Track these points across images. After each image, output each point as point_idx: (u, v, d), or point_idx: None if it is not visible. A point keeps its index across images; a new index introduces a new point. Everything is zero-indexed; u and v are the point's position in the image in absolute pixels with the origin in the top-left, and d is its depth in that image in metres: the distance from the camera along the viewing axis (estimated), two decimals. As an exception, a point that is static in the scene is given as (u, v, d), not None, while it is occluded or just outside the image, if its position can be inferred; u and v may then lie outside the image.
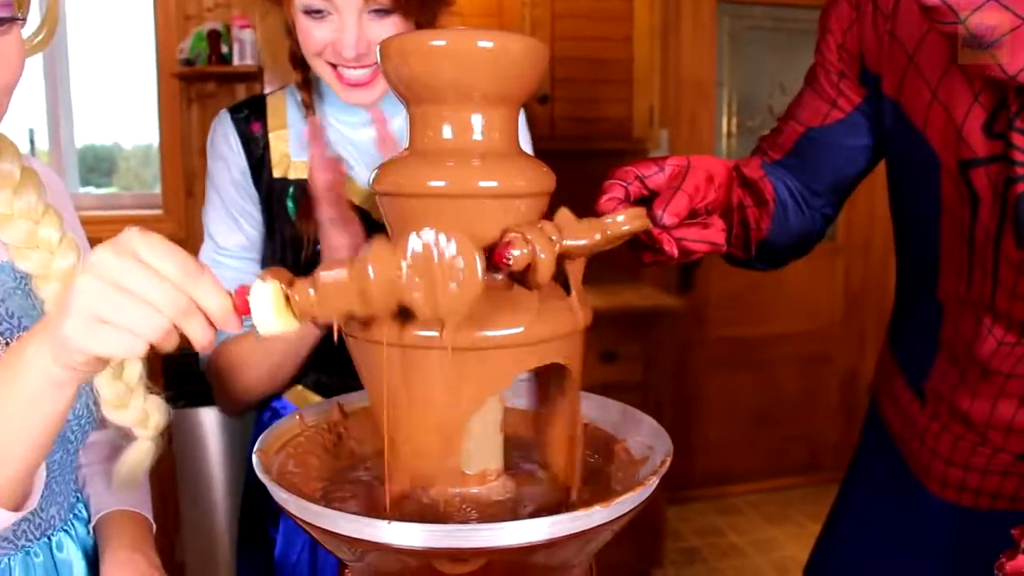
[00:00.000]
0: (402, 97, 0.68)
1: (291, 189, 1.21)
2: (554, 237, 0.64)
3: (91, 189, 3.62)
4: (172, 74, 3.22)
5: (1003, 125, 0.90)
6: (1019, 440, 1.01)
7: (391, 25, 1.12)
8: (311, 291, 0.60)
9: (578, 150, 3.13)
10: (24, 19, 0.81)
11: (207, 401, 2.57)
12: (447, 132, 0.66)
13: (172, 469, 2.69)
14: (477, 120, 0.66)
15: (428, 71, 0.65)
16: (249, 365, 1.16)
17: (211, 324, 0.62)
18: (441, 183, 0.64)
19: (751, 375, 3.83)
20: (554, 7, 3.09)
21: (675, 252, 0.83)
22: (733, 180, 0.95)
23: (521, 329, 0.64)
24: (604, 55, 3.12)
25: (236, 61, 3.12)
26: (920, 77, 0.98)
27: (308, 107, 1.22)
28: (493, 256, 0.63)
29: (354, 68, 1.12)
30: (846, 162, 1.15)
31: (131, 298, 0.59)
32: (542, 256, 0.63)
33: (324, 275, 0.60)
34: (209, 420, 2.71)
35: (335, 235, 1.06)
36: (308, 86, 1.23)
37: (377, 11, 1.10)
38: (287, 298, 0.60)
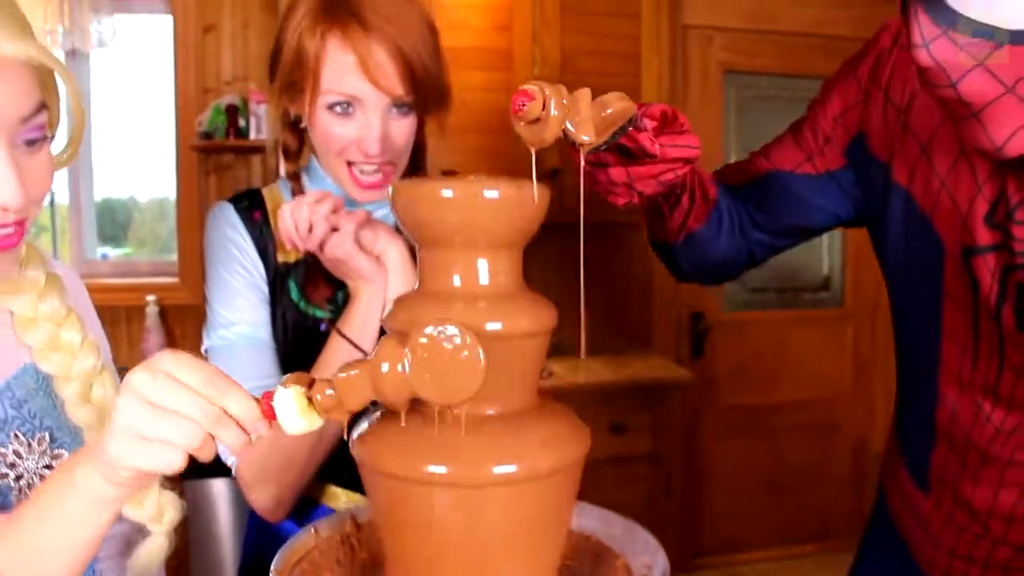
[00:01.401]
0: (412, 238, 0.73)
1: (293, 272, 1.25)
2: (566, 101, 0.71)
3: (108, 251, 3.70)
4: (191, 146, 3.31)
5: (1002, 217, 0.94)
6: (1020, 531, 1.03)
7: (409, 124, 1.19)
8: (329, 391, 0.66)
9: (587, 223, 3.18)
10: (53, 137, 0.86)
11: (218, 471, 2.60)
12: (455, 275, 0.71)
13: (185, 542, 2.71)
14: (483, 264, 0.71)
15: (437, 218, 0.70)
16: (289, 455, 1.18)
17: (244, 430, 0.67)
18: (448, 325, 0.68)
19: (761, 443, 3.83)
20: (562, 79, 3.17)
21: (657, 150, 0.93)
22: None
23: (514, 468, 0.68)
24: (613, 129, 3.20)
25: (252, 135, 3.21)
26: (931, 167, 1.02)
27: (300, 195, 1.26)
28: (511, 104, 0.70)
29: (373, 164, 1.18)
30: (800, 214, 1.19)
31: (167, 413, 0.65)
32: (554, 113, 0.69)
33: (340, 376, 0.67)
34: (220, 491, 2.74)
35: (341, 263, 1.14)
36: (298, 178, 1.28)
37: (399, 108, 1.17)
38: (309, 399, 0.67)
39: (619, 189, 1.01)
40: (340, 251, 1.13)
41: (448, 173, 1.30)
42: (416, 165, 1.29)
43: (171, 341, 3.38)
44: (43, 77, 0.83)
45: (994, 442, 1.01)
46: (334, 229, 1.13)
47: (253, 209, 1.27)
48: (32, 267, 0.97)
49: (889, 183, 1.08)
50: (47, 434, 0.94)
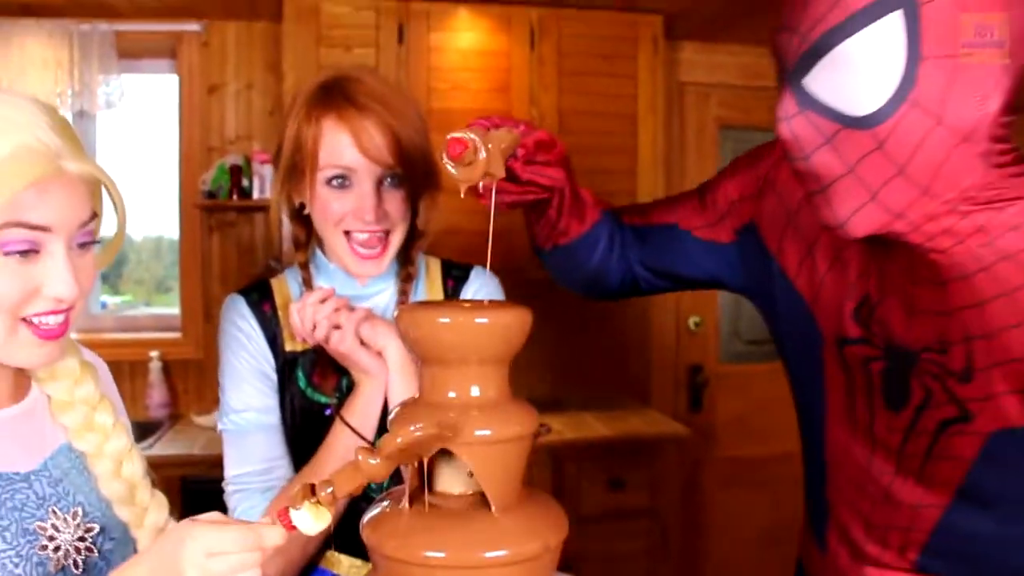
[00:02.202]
0: (413, 354, 0.87)
1: (301, 360, 1.39)
2: (490, 145, 0.99)
3: (107, 299, 3.86)
4: (194, 204, 3.47)
5: (865, 314, 1.08)
6: None
7: (402, 196, 1.35)
8: (329, 489, 0.82)
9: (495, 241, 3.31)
10: (99, 242, 1.02)
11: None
12: (450, 388, 0.85)
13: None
14: (475, 378, 0.85)
15: (434, 339, 0.84)
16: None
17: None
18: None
19: (760, 494, 3.94)
20: (561, 139, 3.33)
21: (526, 177, 1.18)
22: (568, 167, 1.27)
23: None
24: (610, 187, 3.34)
25: (256, 195, 3.37)
26: (814, 264, 1.15)
27: (308, 285, 1.41)
28: (447, 149, 0.96)
29: (369, 233, 1.32)
30: (687, 267, 1.34)
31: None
32: (483, 156, 0.95)
33: (336, 480, 0.82)
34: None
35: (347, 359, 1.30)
36: (307, 266, 1.43)
37: (391, 180, 1.33)
38: (317, 502, 0.82)
39: (487, 194, 1.20)
40: (343, 347, 1.27)
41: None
42: (410, 245, 1.43)
43: (174, 396, 3.52)
44: (94, 189, 0.99)
45: (874, 510, 1.13)
46: (336, 326, 1.27)
47: (263, 302, 1.42)
48: (69, 356, 1.11)
49: (777, 273, 1.21)
50: (80, 508, 1.06)
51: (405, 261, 1.44)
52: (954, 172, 0.88)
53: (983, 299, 0.94)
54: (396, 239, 1.37)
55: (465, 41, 3.25)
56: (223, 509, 1.34)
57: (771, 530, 3.96)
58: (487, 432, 0.83)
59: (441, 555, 0.82)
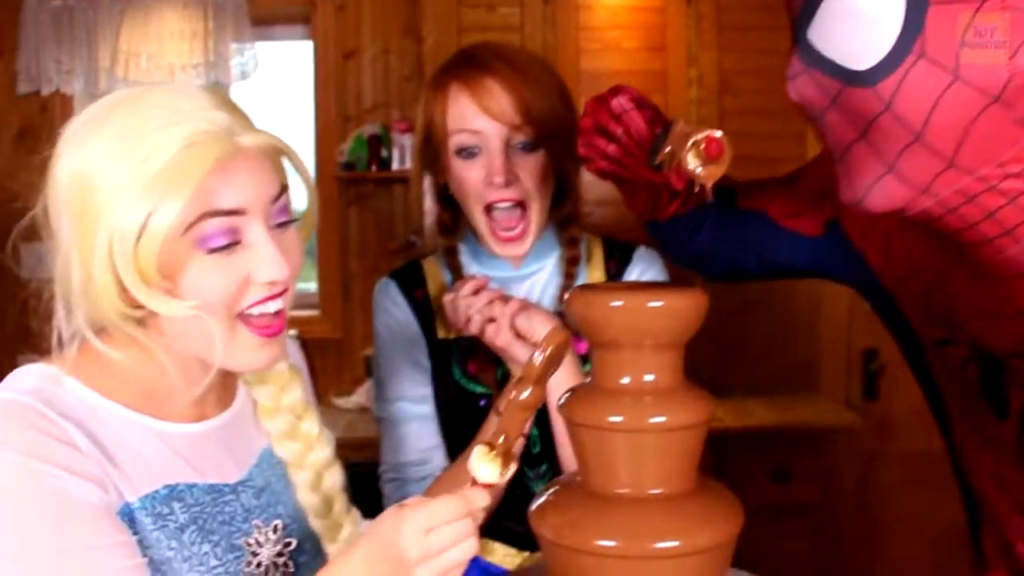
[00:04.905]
0: (587, 338, 0.93)
1: (455, 348, 1.47)
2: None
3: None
4: (332, 176, 3.62)
5: (943, 314, 1.04)
6: None
7: (535, 161, 1.39)
8: (503, 439, 0.89)
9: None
10: (296, 220, 1.04)
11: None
12: (624, 374, 0.91)
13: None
14: (648, 363, 0.91)
15: (607, 323, 0.90)
16: None
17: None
18: (618, 418, 0.89)
19: (943, 492, 3.82)
20: (721, 101, 3.33)
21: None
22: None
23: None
24: (777, 153, 3.31)
25: (395, 166, 3.49)
26: (891, 261, 1.12)
27: (457, 271, 1.48)
28: (706, 148, 1.02)
29: (506, 201, 1.38)
30: (781, 257, 1.31)
31: (451, 550, 0.86)
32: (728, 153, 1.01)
33: (504, 427, 0.90)
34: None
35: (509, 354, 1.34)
36: (455, 252, 1.50)
37: (522, 146, 1.38)
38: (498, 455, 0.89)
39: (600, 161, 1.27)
40: (498, 341, 1.32)
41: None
42: (567, 226, 1.49)
43: (312, 376, 3.63)
44: (275, 161, 1.02)
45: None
46: (491, 319, 1.32)
47: (416, 288, 1.50)
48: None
49: (867, 270, 1.18)
50: (280, 522, 1.10)
51: (568, 242, 1.49)
52: (985, 141, 0.80)
53: None
54: (535, 215, 1.41)
55: (616, -4, 3.28)
56: (371, 493, 1.42)
57: (955, 533, 3.86)
58: (661, 419, 0.88)
59: (612, 544, 0.87)
